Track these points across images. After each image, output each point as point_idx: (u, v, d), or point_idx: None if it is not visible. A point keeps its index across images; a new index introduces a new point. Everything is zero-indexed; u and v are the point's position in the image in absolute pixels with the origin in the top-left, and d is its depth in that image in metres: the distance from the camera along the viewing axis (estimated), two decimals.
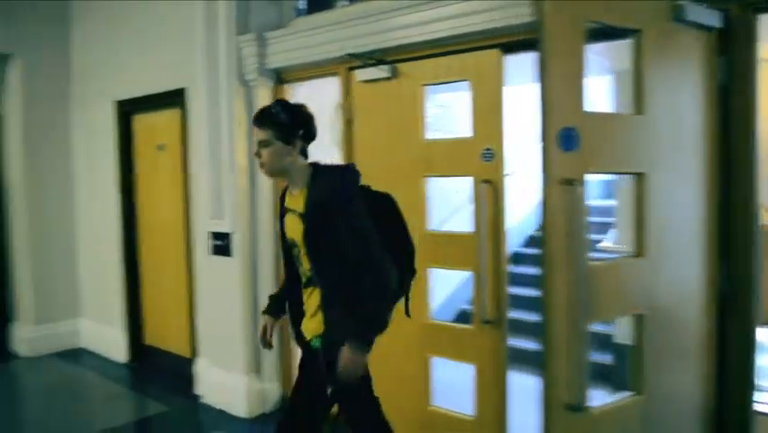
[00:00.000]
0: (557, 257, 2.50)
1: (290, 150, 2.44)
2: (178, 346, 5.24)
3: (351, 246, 2.36)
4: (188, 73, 4.70)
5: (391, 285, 2.39)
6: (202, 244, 4.67)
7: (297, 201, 2.49)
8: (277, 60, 4.24)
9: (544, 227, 2.53)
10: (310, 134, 2.51)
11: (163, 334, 5.47)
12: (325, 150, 4.52)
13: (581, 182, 2.50)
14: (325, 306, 2.45)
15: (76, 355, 5.95)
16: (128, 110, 5.52)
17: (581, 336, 2.54)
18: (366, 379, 2.58)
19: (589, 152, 2.54)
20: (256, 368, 4.46)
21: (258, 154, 2.48)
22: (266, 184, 4.35)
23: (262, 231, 4.41)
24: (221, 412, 4.50)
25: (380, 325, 2.38)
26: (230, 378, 4.49)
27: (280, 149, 2.43)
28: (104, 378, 5.41)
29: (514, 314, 6.03)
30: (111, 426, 4.42)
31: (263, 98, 4.31)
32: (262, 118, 2.46)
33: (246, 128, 4.32)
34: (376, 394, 2.66)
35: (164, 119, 5.18)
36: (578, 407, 2.53)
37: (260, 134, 2.45)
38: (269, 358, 4.45)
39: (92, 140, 5.89)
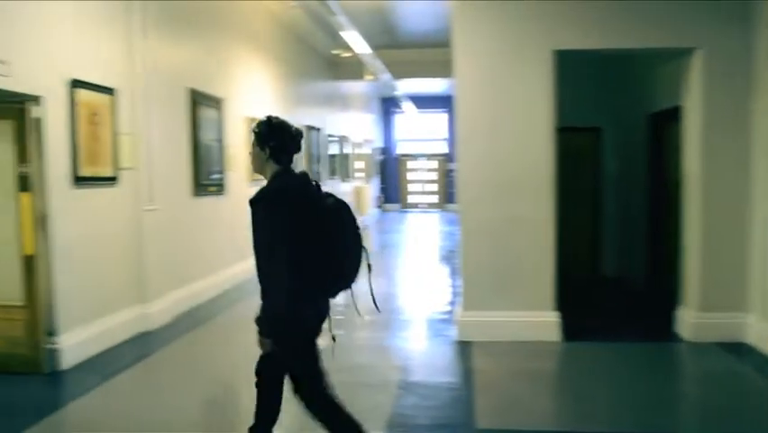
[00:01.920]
0: None
1: (263, 155, 3.12)
2: None
3: (258, 249, 2.96)
4: None
5: (284, 295, 2.89)
6: None
7: None
8: None
9: None
10: (283, 148, 3.11)
11: None
12: None
13: None
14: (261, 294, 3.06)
15: (738, 349, 5.82)
16: None
17: None
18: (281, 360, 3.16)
19: None
20: None
21: (250, 153, 3.19)
22: None
23: None
24: None
25: (270, 323, 2.99)
26: None
27: (258, 153, 3.14)
28: (764, 379, 5.19)
29: None
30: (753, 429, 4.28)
31: None
32: (254, 127, 3.16)
33: None
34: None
35: None
36: None
37: (252, 138, 3.17)
38: None
39: None
